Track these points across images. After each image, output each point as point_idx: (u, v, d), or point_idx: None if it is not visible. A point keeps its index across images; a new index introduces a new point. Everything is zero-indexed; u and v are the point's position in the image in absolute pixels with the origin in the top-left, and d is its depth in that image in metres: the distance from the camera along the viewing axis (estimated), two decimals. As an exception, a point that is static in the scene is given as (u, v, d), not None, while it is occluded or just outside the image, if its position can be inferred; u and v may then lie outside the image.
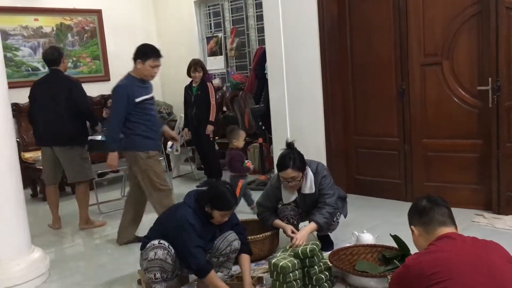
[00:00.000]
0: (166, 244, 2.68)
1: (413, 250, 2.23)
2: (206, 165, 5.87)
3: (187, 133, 5.75)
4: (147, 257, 2.67)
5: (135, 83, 3.75)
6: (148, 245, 2.72)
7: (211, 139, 5.71)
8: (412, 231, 1.98)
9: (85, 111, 4.48)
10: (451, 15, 4.02)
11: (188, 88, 5.72)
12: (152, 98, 3.87)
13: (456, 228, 1.91)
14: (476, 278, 1.65)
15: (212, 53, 7.41)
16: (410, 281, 1.73)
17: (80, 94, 4.43)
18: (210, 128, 5.56)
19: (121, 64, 7.52)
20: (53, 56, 4.43)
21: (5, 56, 6.31)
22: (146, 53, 3.74)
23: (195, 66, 5.59)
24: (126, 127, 3.71)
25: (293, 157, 3.22)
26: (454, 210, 3.99)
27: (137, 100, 3.69)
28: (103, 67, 7.42)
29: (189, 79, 5.73)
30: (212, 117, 5.56)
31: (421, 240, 1.92)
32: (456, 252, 1.74)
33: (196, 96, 5.58)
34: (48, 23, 6.87)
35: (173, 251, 2.68)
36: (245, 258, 2.89)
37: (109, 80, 7.45)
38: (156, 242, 2.69)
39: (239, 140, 4.55)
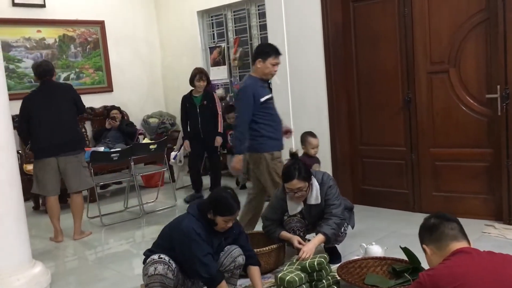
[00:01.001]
0: (167, 258, 2.61)
1: (424, 262, 2.16)
2: (213, 176, 5.70)
3: (187, 145, 5.54)
4: (147, 272, 2.61)
5: (258, 83, 3.73)
6: (148, 260, 2.66)
7: (219, 151, 5.63)
8: (425, 250, 1.91)
9: (84, 109, 4.78)
10: (458, 23, 3.97)
11: (188, 99, 5.48)
12: (272, 97, 3.85)
13: (468, 242, 1.84)
14: (493, 292, 1.58)
15: (215, 63, 7.38)
16: (425, 297, 1.66)
17: (77, 94, 4.61)
18: (219, 140, 5.45)
19: (124, 75, 7.58)
20: (48, 67, 4.46)
21: (7, 68, 6.37)
22: (267, 51, 3.71)
23: (200, 74, 5.37)
24: (251, 129, 3.67)
25: (298, 167, 3.16)
26: (464, 221, 3.93)
27: (262, 99, 3.67)
28: (106, 78, 7.39)
29: (186, 90, 5.60)
30: (220, 128, 5.46)
31: (435, 258, 1.85)
32: (473, 267, 1.67)
33: (201, 106, 5.40)
34: (50, 35, 6.86)
35: (174, 265, 2.61)
36: (254, 270, 2.83)
37: (112, 91, 7.44)
38: (156, 257, 2.62)
39: (307, 147, 4.17)
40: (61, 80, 6.93)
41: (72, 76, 7.07)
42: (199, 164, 5.75)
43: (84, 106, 4.71)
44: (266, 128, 3.70)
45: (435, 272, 1.69)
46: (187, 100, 5.49)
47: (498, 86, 3.76)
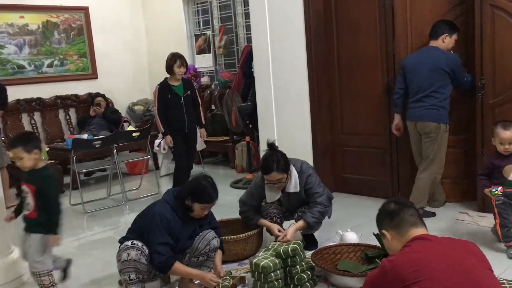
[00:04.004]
0: (140, 244, 2.65)
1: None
2: (188, 171, 5.02)
3: (170, 141, 4.75)
4: (120, 258, 2.65)
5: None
6: (121, 246, 2.70)
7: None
8: (384, 235, 1.96)
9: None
10: (439, 14, 4.02)
11: (168, 89, 4.70)
12: None
13: (426, 229, 1.90)
14: (452, 277, 1.64)
15: (201, 51, 7.38)
16: (387, 281, 1.71)
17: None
18: (204, 133, 5.08)
19: (109, 62, 7.54)
20: None
21: (-11, 54, 6.33)
22: (453, 27, 3.86)
23: (181, 60, 4.68)
24: (435, 98, 3.80)
25: (276, 159, 3.19)
26: (439, 208, 4.02)
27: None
28: (90, 65, 7.36)
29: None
30: (203, 120, 5.07)
31: (394, 243, 1.90)
32: (432, 253, 1.73)
33: (186, 97, 4.76)
34: (34, 21, 6.80)
35: (147, 251, 2.65)
36: (216, 253, 2.92)
37: (96, 78, 7.42)
38: (129, 243, 2.66)
39: (495, 140, 3.18)
40: (44, 67, 6.91)
41: (56, 62, 7.03)
42: (186, 161, 4.99)
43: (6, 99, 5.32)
44: (447, 100, 3.85)
45: (396, 258, 1.75)
46: (167, 91, 4.71)
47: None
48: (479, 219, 3.75)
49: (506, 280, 2.36)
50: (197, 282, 2.90)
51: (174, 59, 4.67)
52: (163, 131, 4.76)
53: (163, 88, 4.73)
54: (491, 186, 3.10)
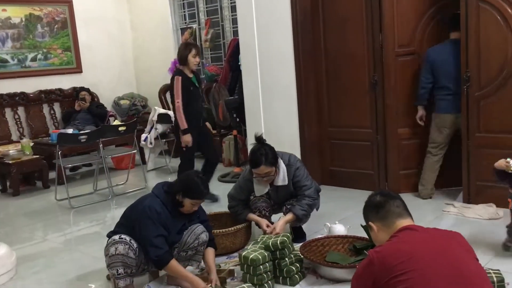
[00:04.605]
0: (128, 238, 2.64)
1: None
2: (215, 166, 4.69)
3: (190, 141, 4.31)
4: (108, 252, 2.63)
5: None
6: (109, 240, 2.68)
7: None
8: (371, 227, 1.97)
9: None
10: (425, 7, 4.05)
11: (189, 80, 4.34)
12: None
13: (412, 220, 1.92)
14: (439, 267, 1.66)
15: (187, 45, 7.31)
16: (374, 272, 1.72)
17: None
18: (209, 126, 4.81)
19: (93, 55, 7.45)
20: None
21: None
22: None
23: (196, 48, 4.31)
24: None
25: (264, 152, 3.19)
26: (426, 201, 4.06)
27: None
28: (74, 59, 7.26)
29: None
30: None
31: (381, 234, 1.91)
32: (419, 243, 1.75)
33: (199, 88, 4.52)
34: (16, 14, 6.68)
35: (135, 245, 2.64)
36: (208, 250, 2.89)
37: (81, 72, 7.33)
38: (116, 237, 2.64)
39: None
40: (28, 61, 6.81)
41: (39, 56, 6.93)
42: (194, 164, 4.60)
43: None
44: None
45: (383, 249, 1.76)
46: (189, 83, 4.32)
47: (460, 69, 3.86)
48: (465, 210, 3.79)
49: (492, 269, 2.39)
50: None
51: (189, 48, 4.29)
52: (186, 127, 4.26)
53: (186, 80, 4.29)
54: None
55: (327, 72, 4.73)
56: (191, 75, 4.36)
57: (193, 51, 4.26)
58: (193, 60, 4.28)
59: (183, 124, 4.26)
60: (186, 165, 4.41)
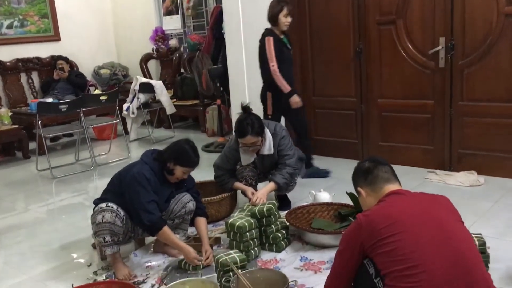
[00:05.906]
0: (115, 206, 2.61)
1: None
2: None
3: (299, 101, 4.05)
4: (95, 220, 2.60)
5: None
6: (95, 208, 2.65)
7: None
8: (359, 192, 1.99)
9: None
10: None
11: (278, 40, 3.95)
12: None
13: (400, 185, 1.94)
14: (425, 230, 1.68)
15: (168, 13, 7.16)
16: (362, 235, 1.74)
17: None
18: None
19: (72, 23, 7.24)
20: None
21: None
22: None
23: (288, 7, 3.92)
24: None
25: (251, 122, 3.16)
26: (408, 169, 4.10)
27: None
28: (52, 26, 7.05)
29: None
30: None
31: (369, 200, 1.94)
32: (406, 207, 1.77)
33: (291, 50, 4.13)
34: (-10, -22, 6.43)
35: (122, 213, 2.62)
36: (201, 220, 2.87)
37: (59, 40, 7.13)
38: (103, 205, 2.61)
39: None
40: (3, 28, 6.59)
41: (15, 23, 6.71)
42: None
43: None
44: None
45: (371, 213, 1.78)
46: (281, 44, 3.97)
47: (444, 38, 3.85)
48: (446, 177, 3.86)
49: (474, 234, 2.45)
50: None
51: (281, 6, 3.89)
52: (290, 89, 3.94)
53: (278, 41, 3.94)
54: None
55: (311, 41, 4.69)
56: (281, 36, 4.01)
57: (285, 10, 3.90)
58: (284, 20, 3.92)
59: (286, 87, 3.94)
60: (305, 125, 4.25)
